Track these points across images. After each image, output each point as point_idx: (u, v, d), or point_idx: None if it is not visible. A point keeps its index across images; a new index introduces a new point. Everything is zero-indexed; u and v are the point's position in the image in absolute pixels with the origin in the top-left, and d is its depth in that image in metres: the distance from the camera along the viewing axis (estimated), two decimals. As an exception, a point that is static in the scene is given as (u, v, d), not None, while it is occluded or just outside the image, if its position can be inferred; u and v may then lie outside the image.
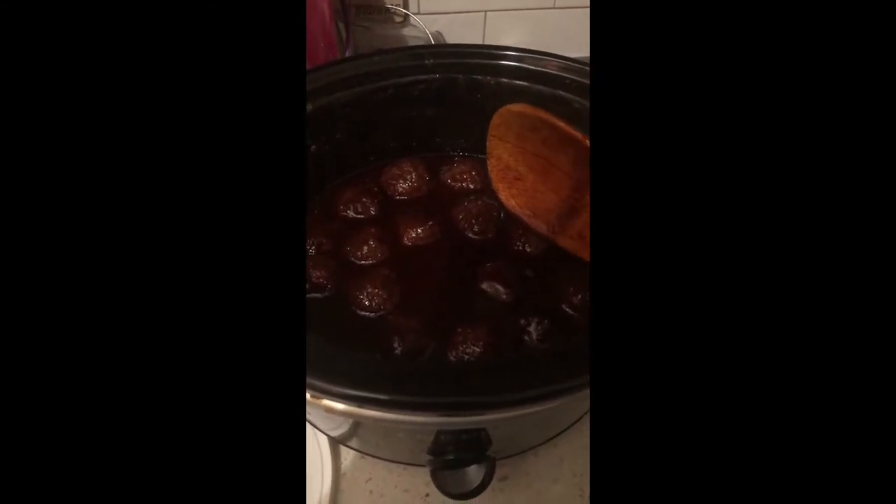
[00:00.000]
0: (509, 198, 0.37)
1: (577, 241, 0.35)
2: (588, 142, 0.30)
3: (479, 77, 0.38)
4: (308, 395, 0.24)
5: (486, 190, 0.39)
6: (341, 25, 0.60)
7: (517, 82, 0.38)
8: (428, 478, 0.39)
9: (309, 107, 0.37)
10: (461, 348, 0.31)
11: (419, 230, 0.37)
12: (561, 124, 0.32)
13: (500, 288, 0.35)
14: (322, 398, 0.23)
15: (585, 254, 0.34)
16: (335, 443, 0.39)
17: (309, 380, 0.23)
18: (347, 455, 0.39)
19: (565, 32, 0.67)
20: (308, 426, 0.39)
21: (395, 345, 0.31)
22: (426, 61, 0.38)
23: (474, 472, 0.31)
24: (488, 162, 0.38)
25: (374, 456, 0.39)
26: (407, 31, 0.66)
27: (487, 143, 0.37)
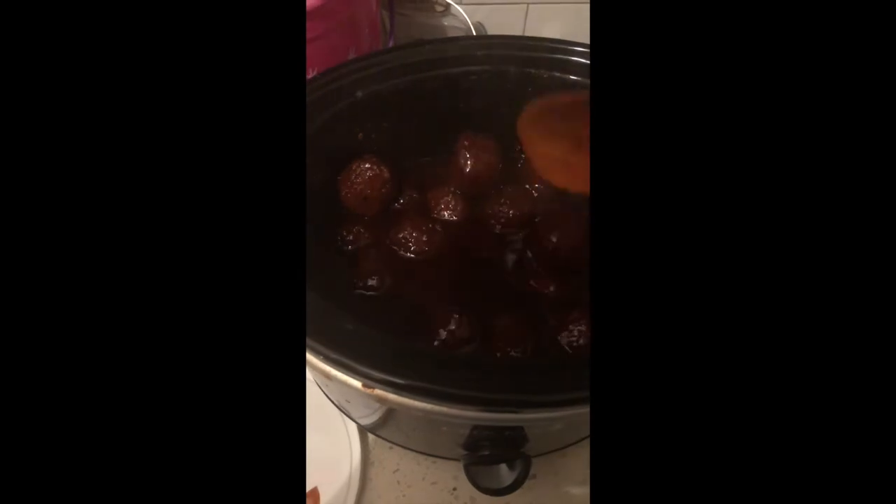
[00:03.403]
0: (565, 183, 0.38)
1: None
2: None
3: (532, 70, 0.38)
4: (359, 384, 0.24)
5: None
6: (385, 14, 0.59)
7: (570, 77, 0.37)
8: (456, 471, 0.39)
9: (359, 94, 0.36)
10: (502, 350, 0.31)
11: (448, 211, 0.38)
12: (575, 98, 0.33)
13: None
14: (375, 387, 0.23)
15: None
16: (364, 431, 0.40)
17: (361, 367, 0.23)
18: (376, 444, 0.40)
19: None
20: (338, 413, 0.40)
21: (437, 334, 0.31)
22: (477, 52, 0.38)
23: (507, 469, 0.31)
24: (533, 163, 0.38)
25: (403, 447, 0.39)
26: (448, 21, 0.65)
27: (525, 149, 0.38)
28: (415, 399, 0.23)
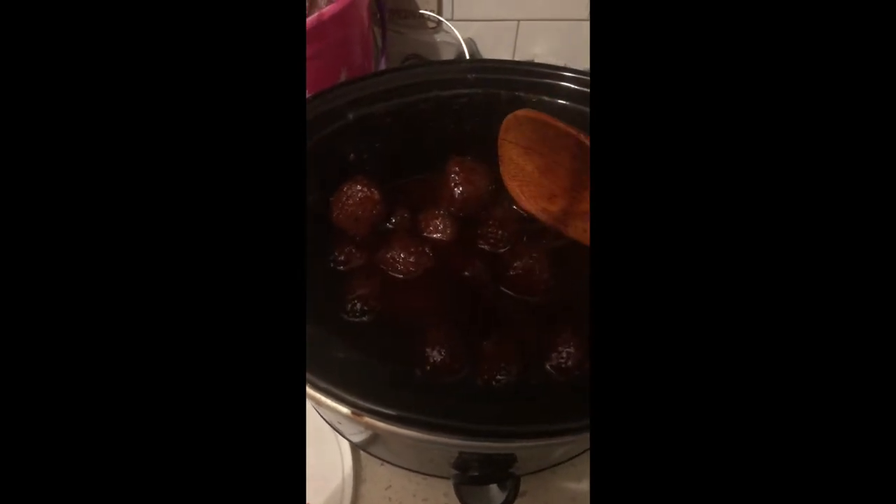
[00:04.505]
0: (519, 193, 0.41)
1: (580, 231, 0.39)
2: (583, 138, 0.34)
3: (522, 94, 0.38)
4: (348, 411, 0.24)
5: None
6: (377, 31, 0.60)
7: (559, 101, 0.38)
8: (447, 488, 0.39)
9: (350, 116, 0.37)
10: (489, 368, 0.31)
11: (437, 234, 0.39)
12: (560, 125, 0.35)
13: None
14: (364, 416, 0.23)
15: (587, 240, 0.38)
16: (356, 448, 0.40)
17: (350, 397, 0.24)
18: (368, 461, 0.40)
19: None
20: (330, 430, 0.40)
21: (427, 360, 0.32)
22: (468, 76, 0.38)
23: (497, 489, 0.31)
24: (500, 164, 0.41)
25: (395, 465, 0.39)
26: (440, 37, 0.66)
27: (499, 148, 0.40)
28: (403, 428, 0.23)
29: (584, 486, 0.39)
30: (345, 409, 0.24)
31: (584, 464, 0.39)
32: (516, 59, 0.69)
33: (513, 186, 0.41)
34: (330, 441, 0.40)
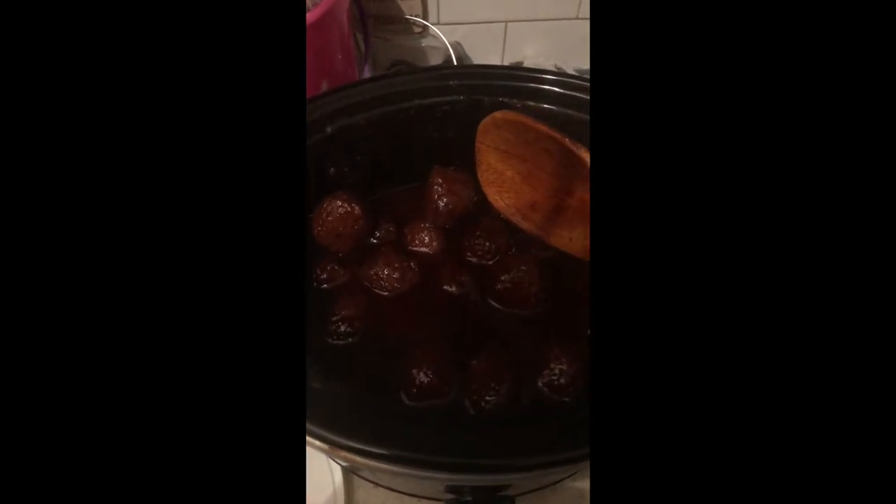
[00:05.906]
0: (498, 200, 0.39)
1: (564, 240, 0.37)
2: (567, 142, 0.32)
3: (506, 100, 0.37)
4: (328, 447, 0.23)
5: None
6: (360, 37, 0.59)
7: (544, 106, 0.37)
8: (442, 511, 0.38)
9: (328, 129, 0.36)
10: (479, 389, 0.30)
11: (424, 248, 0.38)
12: (543, 128, 0.32)
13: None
14: (342, 452, 0.22)
15: (573, 250, 0.37)
16: (348, 472, 0.39)
17: (327, 434, 0.22)
18: (360, 484, 0.39)
19: (588, 44, 0.66)
20: (322, 455, 0.39)
21: (412, 383, 0.30)
22: (450, 82, 0.37)
23: (492, 511, 0.30)
24: (478, 168, 0.39)
25: (387, 488, 0.38)
26: (426, 42, 0.64)
27: (476, 151, 0.38)
28: (386, 465, 0.22)
29: (585, 485, 0.38)
30: (322, 445, 0.23)
31: (586, 479, 0.38)
32: (506, 61, 0.68)
33: (491, 192, 0.39)
34: (320, 461, 0.39)
